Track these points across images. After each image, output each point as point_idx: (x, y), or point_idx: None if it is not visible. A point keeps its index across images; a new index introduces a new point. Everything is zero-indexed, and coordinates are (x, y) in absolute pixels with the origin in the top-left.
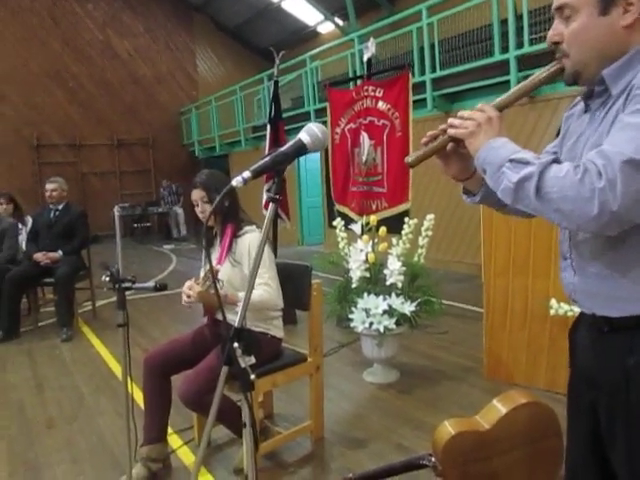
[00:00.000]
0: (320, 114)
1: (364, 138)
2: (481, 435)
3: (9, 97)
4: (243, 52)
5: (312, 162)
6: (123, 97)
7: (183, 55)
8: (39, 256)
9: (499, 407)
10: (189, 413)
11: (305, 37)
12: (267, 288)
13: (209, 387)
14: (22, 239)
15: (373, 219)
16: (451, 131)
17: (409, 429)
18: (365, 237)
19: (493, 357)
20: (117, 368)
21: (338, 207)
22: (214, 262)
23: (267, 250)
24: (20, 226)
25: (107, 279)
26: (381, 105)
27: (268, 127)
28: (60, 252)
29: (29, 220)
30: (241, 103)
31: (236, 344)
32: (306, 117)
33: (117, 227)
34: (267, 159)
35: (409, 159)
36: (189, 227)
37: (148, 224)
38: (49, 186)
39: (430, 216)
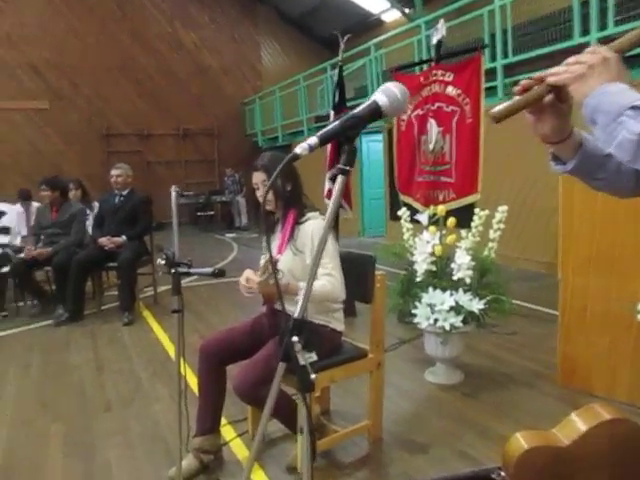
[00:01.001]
0: None
1: (432, 125)
2: (558, 452)
3: (82, 89)
4: (306, 42)
5: (375, 153)
6: (189, 88)
7: (247, 46)
8: (104, 241)
9: (579, 422)
10: (243, 404)
11: (369, 26)
12: (330, 279)
13: (265, 379)
14: (89, 224)
15: (441, 209)
16: (551, 79)
17: (474, 436)
18: (432, 228)
19: (568, 363)
20: (174, 353)
21: (402, 198)
22: (274, 251)
23: (331, 238)
24: (87, 211)
25: (163, 262)
26: (450, 90)
27: (332, 114)
28: (124, 237)
29: (96, 205)
30: (304, 93)
31: (295, 338)
32: None
33: (174, 209)
34: (336, 123)
35: (495, 112)
36: (250, 216)
37: (211, 213)
38: (114, 172)
39: (503, 207)
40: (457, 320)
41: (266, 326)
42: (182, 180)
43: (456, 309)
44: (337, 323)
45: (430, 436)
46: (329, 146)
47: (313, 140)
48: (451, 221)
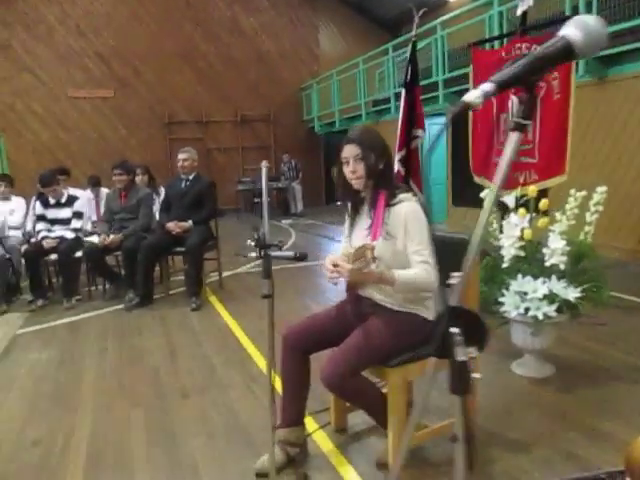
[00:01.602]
0: (450, 84)
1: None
2: None
3: (144, 76)
4: (365, 25)
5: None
6: (247, 74)
7: (306, 29)
8: (171, 225)
9: None
10: (324, 394)
11: (432, 6)
12: (427, 267)
13: (356, 370)
14: (155, 209)
15: (532, 189)
16: None
17: (578, 435)
18: (522, 210)
19: None
20: (245, 340)
21: (478, 180)
22: (365, 236)
23: (424, 221)
24: (154, 196)
25: (252, 244)
26: None
27: (403, 93)
28: (190, 222)
29: (162, 190)
30: (363, 76)
31: (455, 329)
32: (434, 88)
33: (264, 186)
34: (518, 64)
35: None
36: (306, 203)
37: (268, 199)
38: (181, 156)
39: (602, 188)
40: (551, 309)
41: (350, 314)
42: (240, 166)
43: (550, 297)
44: (428, 312)
45: (529, 434)
46: (399, 127)
47: (488, 86)
48: (544, 203)
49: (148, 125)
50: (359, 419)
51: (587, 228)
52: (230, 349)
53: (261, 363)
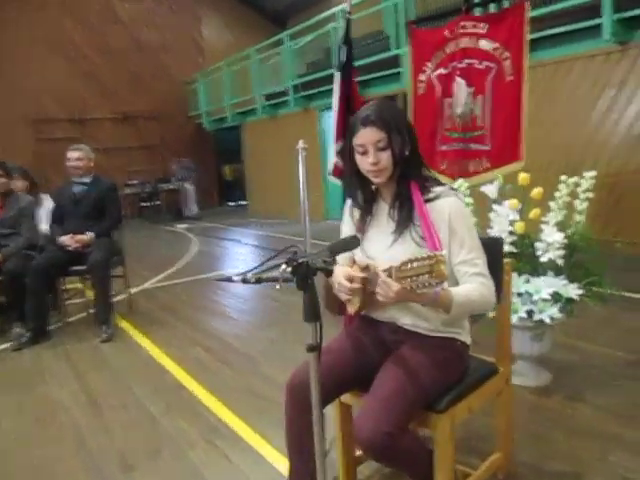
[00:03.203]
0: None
1: (460, 85)
2: None
3: (3, 66)
4: (252, 17)
5: None
6: (127, 66)
7: (187, 19)
8: (66, 240)
9: None
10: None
11: None
12: (484, 281)
13: (405, 423)
14: (37, 221)
15: (523, 177)
16: None
17: (624, 453)
18: (514, 201)
19: None
20: (183, 375)
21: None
22: (389, 244)
23: (472, 223)
24: (38, 207)
25: (286, 268)
26: (485, 44)
27: (337, 76)
28: (91, 234)
29: (45, 199)
30: (256, 68)
31: None
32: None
33: (301, 171)
34: None
35: None
36: (199, 205)
37: (158, 202)
38: (73, 154)
39: (590, 173)
40: (555, 310)
41: (369, 345)
42: (125, 168)
43: (555, 297)
44: (466, 334)
45: (573, 461)
46: (335, 113)
47: None
48: (538, 192)
49: (8, 123)
50: (369, 470)
51: (578, 217)
52: (168, 390)
53: (216, 406)
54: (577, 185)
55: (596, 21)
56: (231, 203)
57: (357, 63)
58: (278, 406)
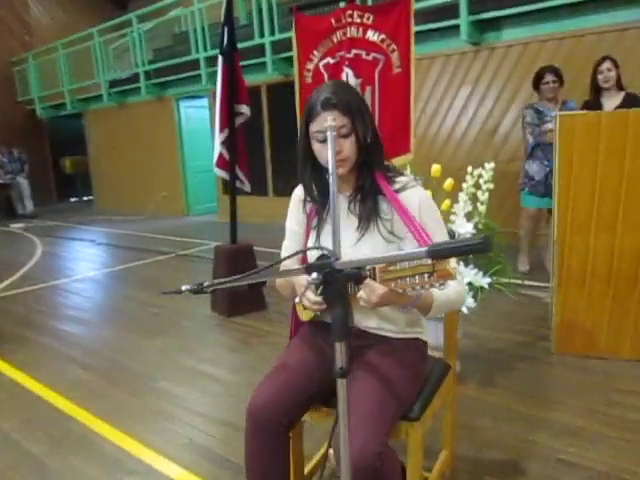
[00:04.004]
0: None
1: (348, 76)
2: None
3: None
4: None
5: (196, 121)
6: None
7: None
8: None
9: None
10: None
11: None
12: (459, 277)
13: (388, 437)
14: None
15: (435, 169)
16: None
17: (546, 434)
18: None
19: (565, 328)
20: (63, 403)
21: None
22: (354, 241)
23: (439, 215)
24: None
25: (315, 277)
26: (372, 35)
27: (220, 60)
28: None
29: None
30: (100, 51)
31: None
32: (196, 66)
33: (330, 155)
34: None
35: None
36: (35, 201)
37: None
38: None
39: (490, 165)
40: (471, 300)
41: (330, 352)
42: None
43: (469, 287)
44: (426, 332)
45: (503, 447)
46: (218, 102)
47: None
48: (449, 183)
49: None
50: None
51: (481, 208)
52: (47, 423)
53: (113, 435)
54: (480, 176)
55: (455, 21)
56: (73, 199)
57: (280, 37)
58: (189, 428)
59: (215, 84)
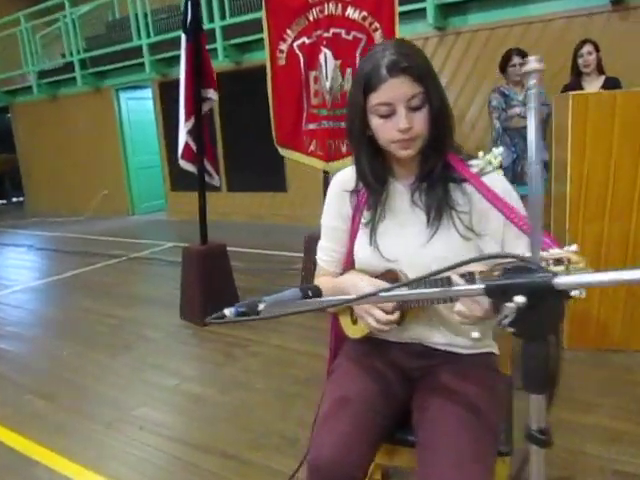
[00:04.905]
0: (156, 50)
1: (327, 57)
2: None
3: None
4: None
5: (138, 112)
6: None
7: None
8: None
9: None
10: None
11: None
12: None
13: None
14: None
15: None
16: None
17: (592, 443)
18: None
19: (578, 322)
20: (16, 440)
21: (285, 152)
22: (424, 240)
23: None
24: None
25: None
26: (352, 12)
27: (183, 39)
28: None
29: None
30: (28, 37)
31: None
32: (138, 53)
33: (532, 124)
34: None
35: None
36: None
37: None
38: None
39: (499, 150)
40: None
41: (392, 377)
42: None
43: None
44: (495, 345)
45: (560, 464)
46: (182, 87)
47: None
48: None
49: None
50: None
51: None
52: None
53: (57, 462)
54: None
55: (422, 4)
56: (1, 201)
57: (231, 21)
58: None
59: (159, 72)
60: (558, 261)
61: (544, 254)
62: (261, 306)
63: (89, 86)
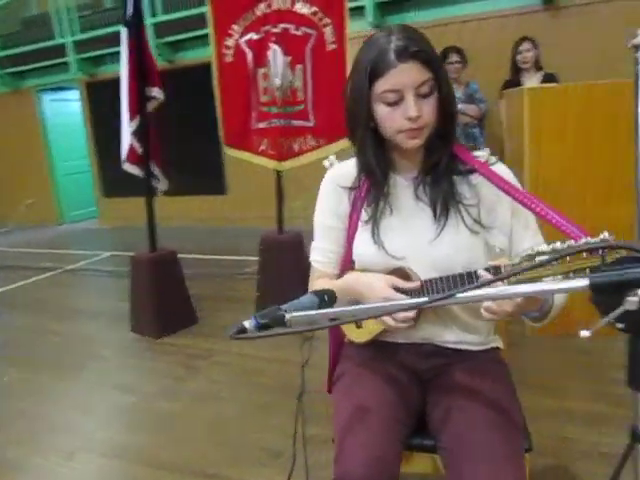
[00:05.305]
0: (85, 48)
1: (275, 53)
2: None
3: None
4: None
5: (65, 115)
6: None
7: None
8: None
9: None
10: None
11: None
12: None
13: None
14: None
15: None
16: None
17: (573, 427)
18: None
19: None
20: None
21: (233, 153)
22: (432, 234)
23: None
24: None
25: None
26: (301, 7)
27: (124, 33)
28: None
29: None
30: None
31: None
32: (60, 52)
33: None
34: None
35: None
36: None
37: None
38: None
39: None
40: None
41: (405, 380)
42: None
43: None
44: (500, 339)
45: (548, 450)
46: (125, 85)
47: None
48: None
49: None
50: None
51: None
52: None
53: None
54: None
55: (360, 2)
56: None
57: (164, 18)
58: None
59: (86, 72)
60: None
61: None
62: (288, 316)
63: (7, 87)
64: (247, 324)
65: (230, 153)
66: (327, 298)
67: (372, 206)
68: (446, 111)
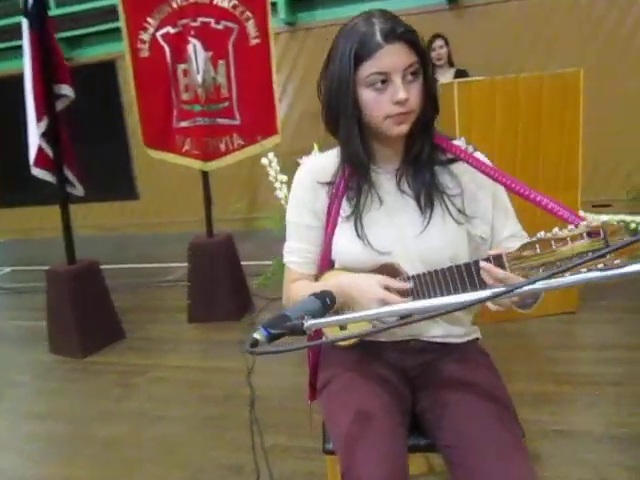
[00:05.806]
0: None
1: (196, 48)
2: None
3: None
4: None
5: None
6: None
7: None
8: None
9: None
10: None
11: None
12: None
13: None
14: None
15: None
16: None
17: (525, 409)
18: None
19: None
20: None
21: (154, 154)
22: (419, 227)
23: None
24: None
25: None
26: (221, 1)
27: (25, 26)
28: None
29: None
30: None
31: None
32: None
33: None
34: None
35: None
36: None
37: None
38: None
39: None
40: None
41: (395, 380)
42: None
43: None
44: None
45: None
46: (29, 83)
47: None
48: None
49: None
50: None
51: None
52: None
53: None
54: None
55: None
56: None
57: (60, 11)
58: None
59: None
60: (592, 234)
61: (581, 228)
62: (307, 324)
63: None
64: (257, 335)
65: (152, 155)
66: (329, 300)
67: (354, 200)
68: (430, 96)
